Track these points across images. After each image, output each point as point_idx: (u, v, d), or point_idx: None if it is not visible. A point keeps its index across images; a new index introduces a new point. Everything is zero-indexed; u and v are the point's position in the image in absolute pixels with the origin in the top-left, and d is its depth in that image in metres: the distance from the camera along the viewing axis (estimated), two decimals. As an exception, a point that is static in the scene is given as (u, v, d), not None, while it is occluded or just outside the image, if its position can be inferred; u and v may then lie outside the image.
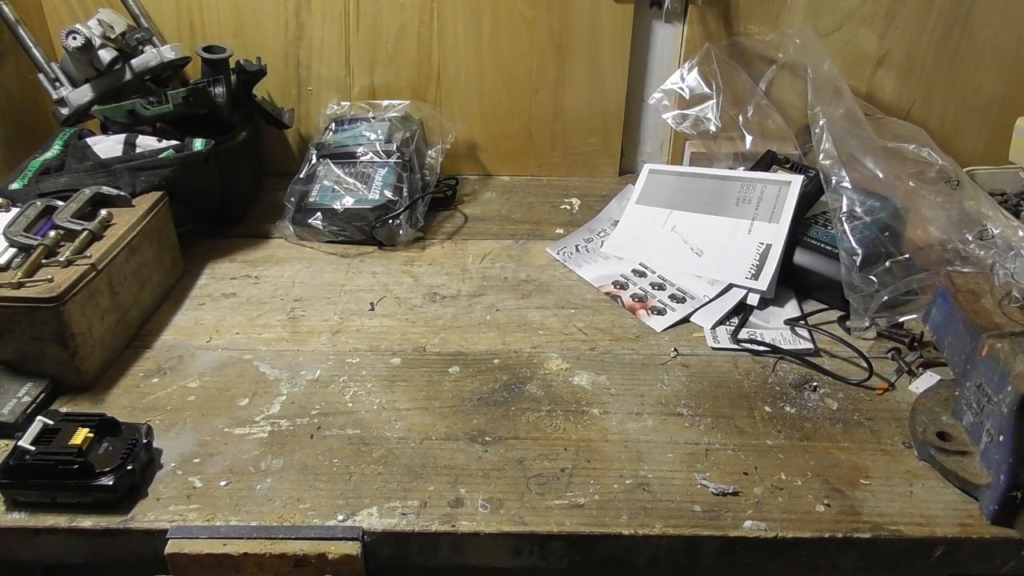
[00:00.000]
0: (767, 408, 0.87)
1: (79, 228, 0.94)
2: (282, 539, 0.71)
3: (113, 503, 0.74)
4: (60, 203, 0.98)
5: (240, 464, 0.79)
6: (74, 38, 1.12)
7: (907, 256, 0.98)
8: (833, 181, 1.05)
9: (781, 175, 1.14)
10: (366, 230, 1.17)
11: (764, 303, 1.04)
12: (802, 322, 1.01)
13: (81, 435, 0.75)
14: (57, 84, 1.17)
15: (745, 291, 1.04)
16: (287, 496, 0.76)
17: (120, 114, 1.12)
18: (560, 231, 1.24)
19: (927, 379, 0.91)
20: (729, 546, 0.73)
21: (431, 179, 1.28)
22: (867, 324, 0.98)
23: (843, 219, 1.01)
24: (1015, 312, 0.80)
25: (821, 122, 1.09)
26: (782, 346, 0.96)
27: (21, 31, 1.18)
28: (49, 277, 0.86)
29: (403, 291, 1.08)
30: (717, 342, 0.98)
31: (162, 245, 1.05)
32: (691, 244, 1.12)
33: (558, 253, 1.17)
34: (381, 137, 1.25)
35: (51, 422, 0.77)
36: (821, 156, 1.07)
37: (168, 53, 1.20)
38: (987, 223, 1.02)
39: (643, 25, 1.31)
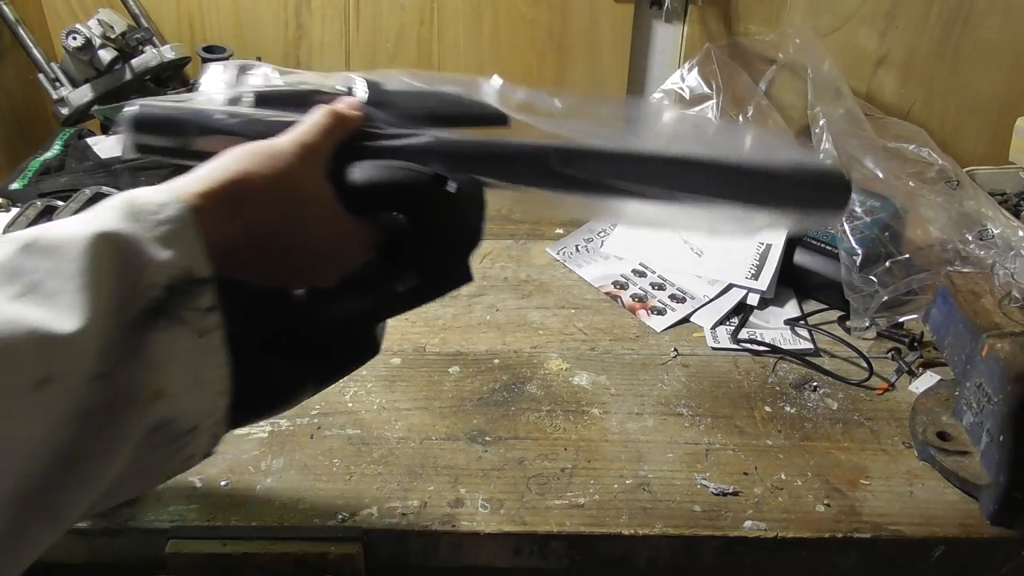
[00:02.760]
0: (767, 408, 0.87)
1: (79, 228, 0.93)
2: (282, 539, 0.71)
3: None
4: (60, 203, 0.98)
5: (240, 464, 0.79)
6: (74, 38, 1.12)
7: (907, 256, 0.98)
8: (833, 181, 1.04)
9: (781, 175, 1.14)
10: (366, 230, 1.17)
11: (764, 303, 1.04)
12: (802, 322, 1.01)
13: (81, 435, 0.75)
14: (57, 84, 1.17)
15: (745, 291, 1.04)
16: (287, 496, 0.75)
17: (120, 114, 1.12)
18: (560, 231, 1.23)
19: (927, 379, 0.91)
20: (729, 546, 0.73)
21: (431, 179, 1.27)
22: (867, 324, 0.98)
23: (843, 219, 1.01)
24: (1015, 312, 0.80)
25: (821, 122, 1.09)
26: (782, 346, 0.96)
27: (21, 31, 1.18)
28: (49, 277, 0.86)
29: (403, 291, 1.08)
30: (717, 342, 0.98)
31: (162, 245, 1.05)
32: (691, 244, 1.12)
33: (558, 253, 1.17)
34: (381, 137, 1.25)
35: (51, 422, 0.77)
36: (821, 156, 1.07)
37: (168, 53, 1.20)
38: (987, 223, 1.02)
39: (643, 25, 1.30)
